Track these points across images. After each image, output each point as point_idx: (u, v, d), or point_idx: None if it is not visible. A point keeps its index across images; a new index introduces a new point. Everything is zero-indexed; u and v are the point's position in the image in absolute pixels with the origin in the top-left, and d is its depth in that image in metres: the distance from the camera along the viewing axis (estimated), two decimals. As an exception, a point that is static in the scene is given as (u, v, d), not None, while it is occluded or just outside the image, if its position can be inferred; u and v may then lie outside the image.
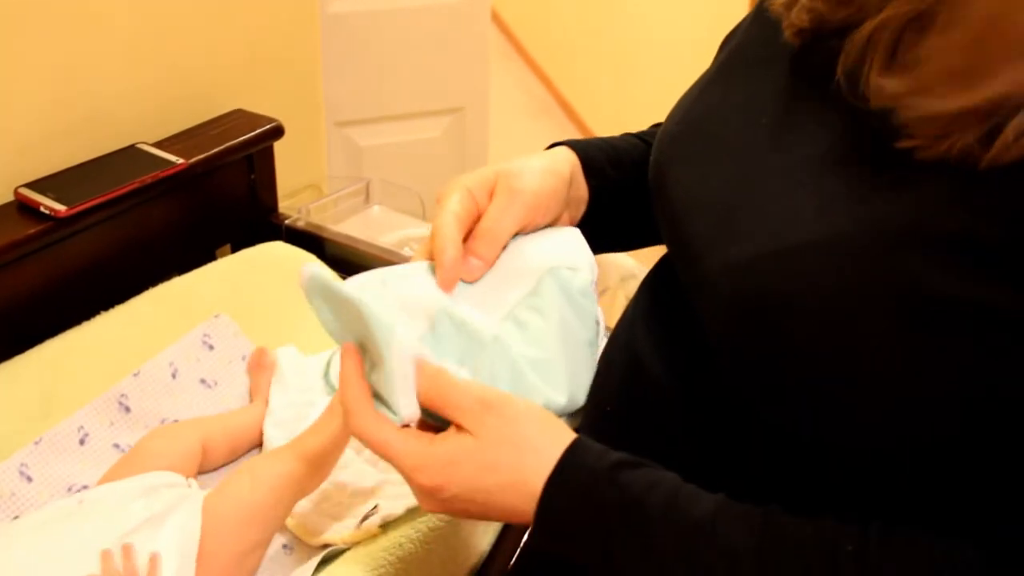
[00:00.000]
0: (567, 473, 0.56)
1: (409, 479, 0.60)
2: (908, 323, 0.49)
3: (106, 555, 0.88)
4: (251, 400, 1.27)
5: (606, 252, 0.76)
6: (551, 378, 0.65)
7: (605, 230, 0.75)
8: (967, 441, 0.49)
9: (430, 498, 0.59)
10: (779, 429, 0.57)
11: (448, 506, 0.59)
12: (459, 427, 0.59)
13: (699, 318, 0.60)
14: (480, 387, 0.60)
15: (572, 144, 0.75)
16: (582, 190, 0.74)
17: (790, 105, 0.59)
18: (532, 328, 0.66)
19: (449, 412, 0.59)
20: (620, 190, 0.76)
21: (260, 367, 1.28)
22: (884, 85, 0.50)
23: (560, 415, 0.64)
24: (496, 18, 4.19)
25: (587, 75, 3.51)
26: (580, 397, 0.67)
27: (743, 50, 0.67)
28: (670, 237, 0.65)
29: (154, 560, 0.89)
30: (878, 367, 0.50)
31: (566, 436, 0.58)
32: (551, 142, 0.76)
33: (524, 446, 0.57)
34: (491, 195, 0.68)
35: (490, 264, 0.67)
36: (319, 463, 0.95)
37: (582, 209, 0.75)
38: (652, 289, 0.71)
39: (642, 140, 0.80)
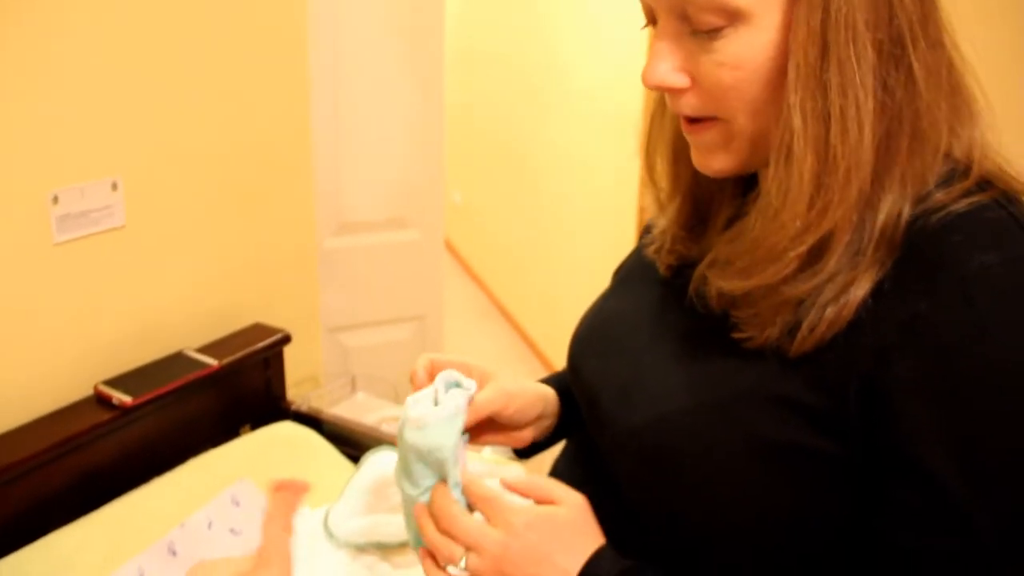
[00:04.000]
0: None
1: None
2: (756, 462, 0.58)
3: None
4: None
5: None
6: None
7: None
8: (809, 544, 0.59)
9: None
10: (673, 552, 0.64)
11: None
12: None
13: (609, 466, 0.68)
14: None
15: (547, 380, 0.84)
16: (551, 419, 0.81)
17: (663, 315, 0.70)
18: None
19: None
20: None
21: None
22: (722, 285, 0.61)
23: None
24: (448, 245, 4.47)
25: (520, 286, 3.70)
26: None
27: (629, 278, 0.80)
28: (587, 412, 0.73)
29: None
30: (738, 494, 0.59)
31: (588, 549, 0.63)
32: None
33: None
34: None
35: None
36: None
37: (545, 432, 0.81)
38: (577, 443, 0.78)
39: None
